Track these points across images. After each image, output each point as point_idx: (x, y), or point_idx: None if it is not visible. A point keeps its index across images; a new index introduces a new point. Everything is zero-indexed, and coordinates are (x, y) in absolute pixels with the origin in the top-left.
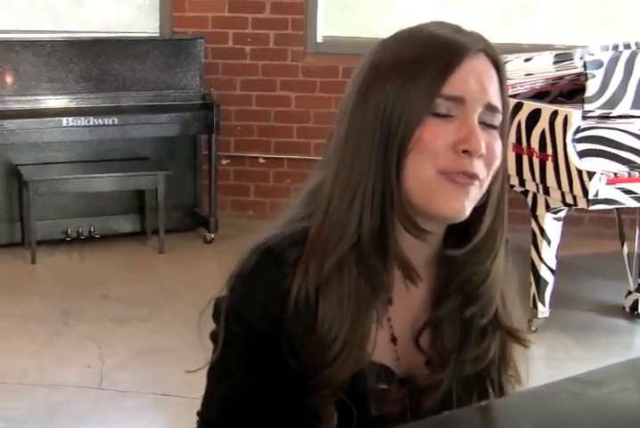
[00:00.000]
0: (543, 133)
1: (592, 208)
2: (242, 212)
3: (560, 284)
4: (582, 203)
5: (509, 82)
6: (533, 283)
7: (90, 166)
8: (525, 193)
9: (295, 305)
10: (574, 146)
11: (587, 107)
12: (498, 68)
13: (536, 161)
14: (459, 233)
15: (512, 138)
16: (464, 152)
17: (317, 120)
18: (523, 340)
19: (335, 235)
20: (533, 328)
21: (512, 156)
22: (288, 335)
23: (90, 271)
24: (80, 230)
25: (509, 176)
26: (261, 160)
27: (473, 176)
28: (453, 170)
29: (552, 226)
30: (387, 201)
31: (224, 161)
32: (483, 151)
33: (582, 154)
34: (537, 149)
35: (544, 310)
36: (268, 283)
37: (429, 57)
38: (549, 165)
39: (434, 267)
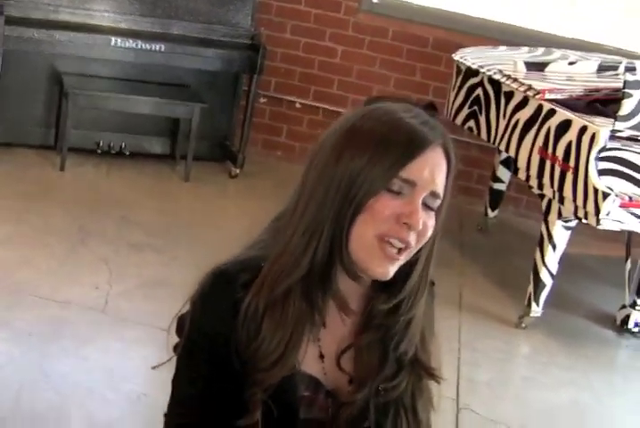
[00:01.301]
0: (569, 144)
1: (600, 227)
2: (270, 152)
3: (560, 282)
4: (592, 221)
5: (550, 85)
6: (532, 282)
7: (131, 86)
8: (541, 196)
9: (245, 315)
10: (596, 164)
11: (618, 126)
12: (449, 160)
13: (557, 169)
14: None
15: (540, 141)
16: (405, 223)
17: (359, 76)
18: (437, 377)
19: (290, 264)
20: (523, 325)
21: (536, 158)
22: (236, 339)
23: (114, 188)
24: (112, 144)
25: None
26: (298, 105)
27: (407, 243)
28: (392, 235)
29: (560, 234)
30: (335, 247)
31: (262, 100)
32: (420, 227)
33: (602, 173)
34: (560, 158)
35: (537, 310)
36: (222, 299)
37: (397, 142)
38: (569, 176)
39: (364, 301)
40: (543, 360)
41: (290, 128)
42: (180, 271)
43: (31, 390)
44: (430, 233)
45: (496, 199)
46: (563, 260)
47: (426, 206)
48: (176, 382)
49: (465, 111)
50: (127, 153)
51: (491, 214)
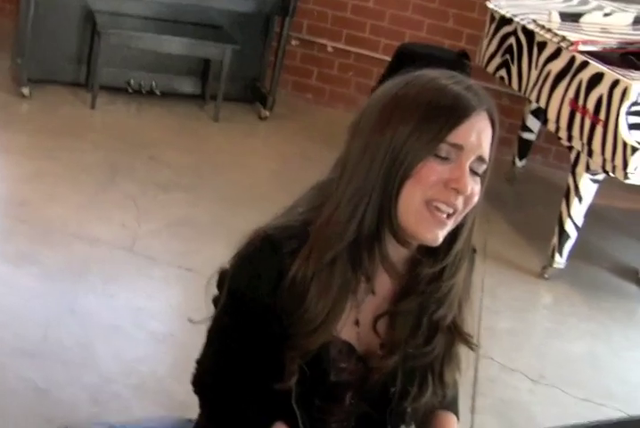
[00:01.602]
0: (600, 97)
1: (627, 182)
2: (301, 94)
3: (585, 234)
4: (619, 175)
5: (584, 37)
6: (556, 233)
7: (163, 25)
8: (570, 148)
9: (292, 282)
10: (626, 118)
11: None
12: (494, 127)
13: (587, 122)
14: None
15: (571, 94)
16: (453, 188)
17: (392, 21)
18: (471, 343)
19: (338, 231)
20: (546, 276)
21: (567, 110)
22: (279, 305)
23: (144, 127)
24: (143, 83)
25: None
26: (329, 49)
27: (455, 208)
28: (440, 200)
29: (587, 186)
30: (384, 213)
31: (293, 42)
32: (468, 192)
33: (632, 127)
34: (591, 111)
35: (560, 261)
36: (266, 268)
37: (443, 108)
38: (598, 129)
39: (409, 265)
40: (564, 311)
41: (320, 71)
42: (207, 211)
43: (58, 326)
44: (476, 198)
45: (524, 148)
46: (589, 212)
47: (472, 171)
48: (213, 335)
49: (497, 59)
50: (158, 93)
51: (519, 163)
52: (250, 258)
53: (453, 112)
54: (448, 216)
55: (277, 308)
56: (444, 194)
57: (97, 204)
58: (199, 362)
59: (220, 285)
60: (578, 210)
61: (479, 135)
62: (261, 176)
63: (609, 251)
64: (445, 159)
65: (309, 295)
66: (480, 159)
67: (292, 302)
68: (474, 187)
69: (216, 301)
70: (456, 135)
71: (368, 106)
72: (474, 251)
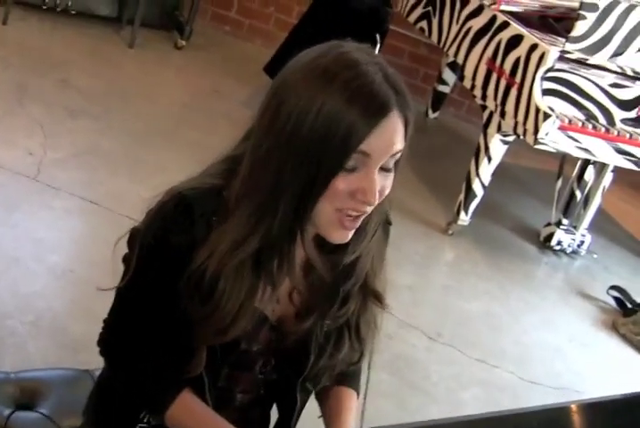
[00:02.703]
0: (518, 60)
1: (536, 147)
2: (219, 25)
3: (491, 192)
4: (530, 139)
5: None
6: (463, 191)
7: None
8: (483, 107)
9: (197, 271)
10: (541, 84)
11: (568, 47)
12: (408, 124)
13: (502, 83)
14: None
15: (490, 53)
16: (360, 200)
17: None
18: (383, 302)
19: (239, 241)
20: (450, 232)
21: (483, 69)
22: (185, 289)
23: (57, 48)
24: (58, 1)
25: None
26: None
27: (364, 212)
28: (349, 208)
29: (497, 147)
30: (293, 228)
31: None
32: (376, 201)
33: (546, 93)
34: (507, 72)
35: (465, 219)
36: (178, 226)
37: (350, 115)
38: (513, 92)
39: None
40: (464, 269)
41: (242, 4)
42: (114, 141)
43: None
44: (388, 191)
45: (438, 100)
46: (497, 170)
47: (384, 169)
48: (122, 294)
49: (419, 10)
50: (73, 12)
51: (432, 115)
52: (164, 215)
53: (363, 120)
54: (357, 216)
55: (183, 291)
56: (352, 204)
57: (2, 127)
58: (106, 322)
59: (131, 244)
60: (487, 170)
61: (390, 138)
62: (171, 108)
63: (513, 211)
64: (352, 169)
65: (216, 295)
66: (393, 155)
67: (198, 293)
68: (385, 185)
69: (126, 260)
70: (367, 144)
71: (281, 87)
72: (389, 223)
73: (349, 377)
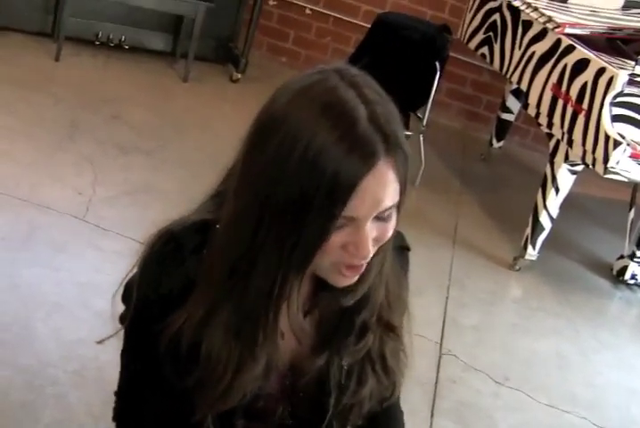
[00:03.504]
0: (585, 85)
1: (606, 176)
2: (275, 57)
3: (559, 223)
4: (599, 169)
5: (572, 19)
6: (530, 224)
7: None
8: (549, 135)
9: (172, 339)
10: (610, 110)
11: (638, 70)
12: (398, 166)
13: (569, 110)
14: None
15: (555, 78)
16: (353, 254)
17: None
18: (398, 334)
19: (215, 297)
20: (517, 267)
21: (548, 96)
22: (167, 352)
23: (109, 83)
24: (111, 36)
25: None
26: (307, 11)
27: (360, 266)
28: (344, 263)
29: (565, 177)
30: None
31: (270, 2)
32: (370, 255)
33: (616, 119)
34: (574, 98)
35: (532, 253)
36: (172, 268)
37: (329, 173)
38: (580, 119)
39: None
40: (532, 305)
41: (297, 35)
42: (168, 177)
43: None
44: (388, 237)
45: (502, 129)
46: (565, 200)
47: (379, 218)
48: (124, 356)
49: (480, 35)
50: (126, 47)
51: (496, 144)
52: (154, 257)
53: (345, 180)
54: (360, 266)
55: (165, 356)
56: (346, 258)
57: (52, 165)
58: (117, 394)
59: (126, 299)
60: (555, 202)
61: (377, 197)
62: (228, 141)
63: (583, 244)
64: (340, 227)
65: (201, 363)
66: (385, 209)
67: (179, 359)
68: (383, 232)
69: (123, 319)
70: (349, 209)
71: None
72: (407, 249)
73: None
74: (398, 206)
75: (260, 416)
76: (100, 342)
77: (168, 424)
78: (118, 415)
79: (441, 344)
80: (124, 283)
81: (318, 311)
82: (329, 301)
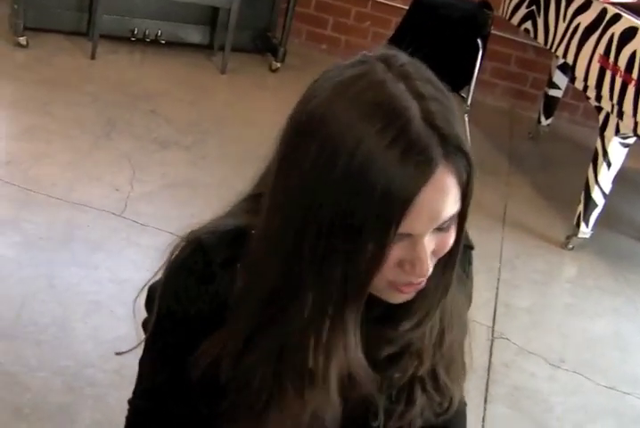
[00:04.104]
0: (634, 54)
1: None
2: (315, 44)
3: (613, 199)
4: None
5: None
6: (582, 201)
7: None
8: (599, 109)
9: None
10: None
11: None
12: (459, 170)
13: (618, 81)
14: None
15: (601, 49)
16: (410, 272)
17: None
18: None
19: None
20: (570, 246)
21: (596, 68)
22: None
23: (147, 78)
24: (147, 32)
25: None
26: None
27: (420, 283)
28: (402, 282)
29: (616, 151)
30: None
31: None
32: (430, 271)
33: None
34: (622, 68)
35: (586, 231)
36: (198, 280)
37: (383, 184)
38: (630, 89)
39: None
40: (588, 284)
41: (336, 20)
42: (208, 171)
43: (34, 302)
44: (448, 247)
45: (550, 105)
46: (617, 175)
47: (438, 229)
48: (142, 364)
49: (523, 10)
50: (163, 42)
51: (544, 121)
52: (180, 268)
53: (397, 197)
54: (419, 281)
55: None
56: (403, 276)
57: (90, 163)
58: (131, 401)
59: (149, 305)
60: (607, 177)
61: (434, 209)
62: (269, 133)
63: (637, 218)
64: (394, 243)
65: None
66: (442, 224)
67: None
68: (443, 242)
69: (145, 326)
70: (405, 225)
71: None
72: (471, 248)
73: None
74: (462, 213)
75: None
76: (120, 354)
77: None
78: (132, 425)
79: (493, 328)
80: (147, 288)
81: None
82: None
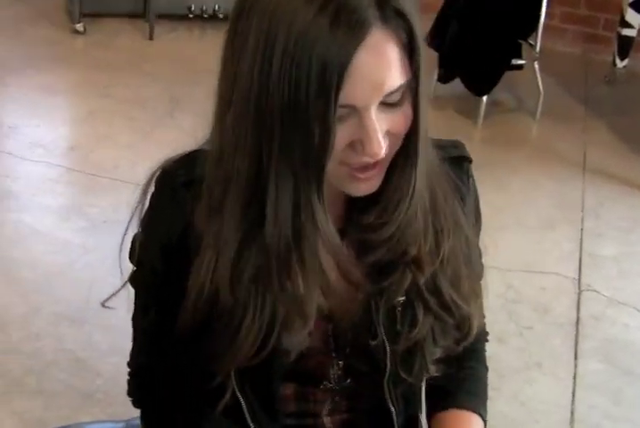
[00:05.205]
0: None
1: None
2: None
3: None
4: None
5: None
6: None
7: None
8: None
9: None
10: None
11: None
12: (400, 34)
13: None
14: None
15: None
16: (362, 152)
17: None
18: (423, 272)
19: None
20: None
21: None
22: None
23: (207, 54)
24: (204, 7)
25: None
26: None
27: (376, 163)
28: (354, 163)
29: None
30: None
31: None
32: (383, 151)
33: None
34: None
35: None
36: (169, 208)
37: (318, 52)
38: None
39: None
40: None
41: None
42: None
43: (103, 287)
44: (405, 128)
45: (625, 46)
46: None
47: (387, 105)
48: (135, 318)
49: None
50: (221, 16)
51: (620, 64)
52: (150, 201)
53: (332, 63)
54: (374, 164)
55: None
56: (355, 157)
57: (152, 143)
58: (130, 363)
59: (132, 256)
60: None
61: (376, 72)
62: None
63: None
64: (342, 120)
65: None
66: (391, 93)
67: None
68: (396, 122)
69: (133, 280)
70: (346, 95)
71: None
72: (468, 160)
73: (468, 390)
74: (415, 88)
75: (312, 379)
76: (105, 303)
77: (188, 392)
78: (134, 388)
79: (580, 280)
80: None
81: (353, 241)
82: (361, 223)
